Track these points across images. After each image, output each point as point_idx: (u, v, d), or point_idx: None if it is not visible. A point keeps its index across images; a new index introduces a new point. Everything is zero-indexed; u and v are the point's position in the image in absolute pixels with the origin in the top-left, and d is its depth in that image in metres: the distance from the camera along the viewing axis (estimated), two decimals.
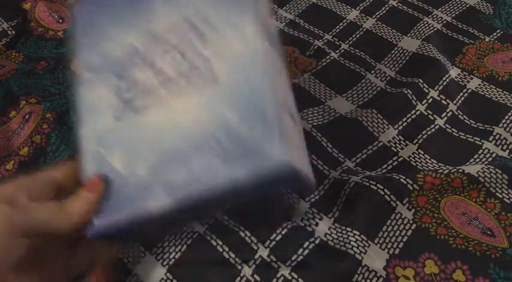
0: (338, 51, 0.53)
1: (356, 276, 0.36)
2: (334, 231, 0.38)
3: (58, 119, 0.46)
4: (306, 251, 0.36)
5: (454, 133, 0.45)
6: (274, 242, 0.37)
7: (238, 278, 0.36)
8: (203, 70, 0.31)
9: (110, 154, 0.31)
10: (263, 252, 0.37)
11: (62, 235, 0.30)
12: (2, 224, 0.27)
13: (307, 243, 0.37)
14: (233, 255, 0.37)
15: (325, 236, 0.38)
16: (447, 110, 0.47)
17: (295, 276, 0.35)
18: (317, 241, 0.37)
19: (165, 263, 0.37)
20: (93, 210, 0.30)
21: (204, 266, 0.37)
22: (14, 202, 0.29)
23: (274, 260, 0.36)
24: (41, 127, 0.45)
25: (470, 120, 0.46)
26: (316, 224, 0.39)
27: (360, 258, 0.36)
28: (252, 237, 0.38)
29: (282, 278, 0.36)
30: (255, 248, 0.37)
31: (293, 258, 0.36)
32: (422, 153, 0.44)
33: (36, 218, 0.29)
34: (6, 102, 0.47)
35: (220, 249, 0.37)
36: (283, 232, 0.37)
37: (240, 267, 0.36)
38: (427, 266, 0.37)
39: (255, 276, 0.36)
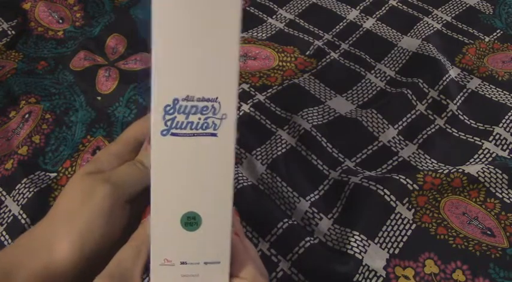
0: (338, 51, 0.53)
1: (357, 276, 0.36)
2: (334, 233, 0.38)
3: (58, 120, 0.46)
4: (305, 249, 0.37)
5: (454, 133, 0.45)
6: (275, 237, 0.37)
7: None
8: None
9: None
10: (264, 246, 0.37)
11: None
12: (106, 202, 0.29)
13: (306, 242, 0.37)
14: None
15: (324, 237, 0.38)
16: (447, 110, 0.47)
17: (295, 271, 0.35)
18: (316, 241, 0.37)
19: None
20: None
21: None
22: (109, 177, 0.30)
23: (275, 253, 0.36)
24: (41, 127, 0.45)
25: (470, 120, 0.46)
26: (316, 224, 0.39)
27: (361, 257, 0.36)
28: (254, 232, 0.38)
29: (282, 272, 0.36)
30: (256, 242, 0.37)
31: (294, 252, 0.36)
32: (422, 153, 0.44)
33: (131, 183, 0.30)
34: (6, 102, 0.47)
35: None
36: (284, 226, 0.37)
37: None
38: (427, 266, 0.37)
39: None
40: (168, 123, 0.24)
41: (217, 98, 0.24)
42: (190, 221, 0.26)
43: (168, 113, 0.24)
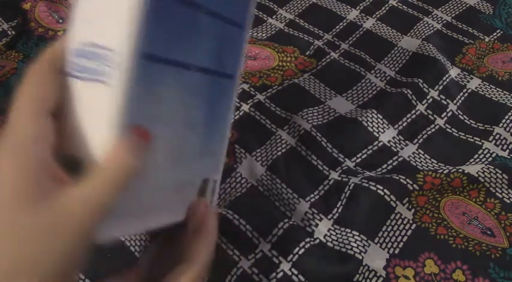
0: (338, 51, 0.53)
1: (357, 276, 0.36)
2: (334, 233, 0.38)
3: None
4: (305, 250, 0.37)
5: (454, 133, 0.45)
6: (276, 237, 0.37)
7: (235, 269, 0.36)
8: None
9: None
10: (265, 247, 0.37)
11: None
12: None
13: (306, 243, 0.37)
14: (231, 247, 0.37)
15: (324, 238, 0.38)
16: (447, 110, 0.47)
17: (295, 272, 0.36)
18: (316, 242, 0.37)
19: None
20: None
21: None
22: None
23: (276, 254, 0.36)
24: None
25: (470, 120, 0.46)
26: (316, 225, 0.39)
27: (361, 257, 0.36)
28: (254, 232, 0.38)
29: (282, 273, 0.36)
30: (256, 242, 0.37)
31: (294, 253, 0.36)
32: (422, 153, 0.44)
33: None
34: (6, 102, 0.47)
35: (219, 241, 0.37)
36: (284, 227, 0.38)
37: (237, 259, 0.37)
38: (427, 266, 0.37)
39: (253, 268, 0.36)
40: (73, 65, 0.27)
41: (112, 48, 0.25)
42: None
43: (75, 55, 0.27)
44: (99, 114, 0.26)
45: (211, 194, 0.35)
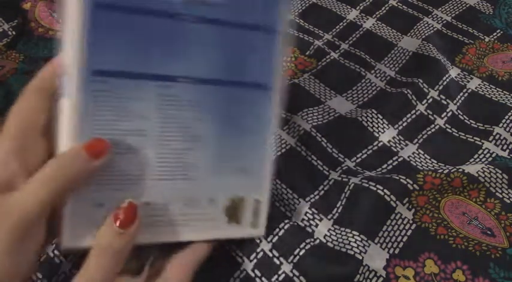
0: (338, 51, 0.53)
1: (358, 276, 0.36)
2: (334, 233, 0.38)
3: None
4: (306, 251, 0.37)
5: (454, 133, 0.45)
6: (276, 237, 0.37)
7: (238, 272, 0.36)
8: None
9: None
10: (266, 247, 0.37)
11: None
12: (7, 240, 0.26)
13: (306, 244, 0.37)
14: (234, 247, 0.37)
15: (324, 238, 0.38)
16: (447, 110, 0.47)
17: (296, 273, 0.35)
18: (316, 242, 0.37)
19: None
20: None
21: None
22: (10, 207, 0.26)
23: (277, 255, 0.36)
24: None
25: (470, 120, 0.46)
26: (316, 225, 0.39)
27: (361, 258, 0.36)
28: None
29: (284, 274, 0.36)
30: (258, 241, 0.37)
31: (295, 254, 0.36)
32: (422, 153, 0.44)
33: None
34: (6, 102, 0.47)
35: (220, 243, 0.37)
36: (285, 227, 0.38)
37: (241, 261, 0.36)
38: (427, 266, 0.37)
39: (256, 271, 0.36)
40: (60, 84, 0.29)
41: (67, 65, 0.28)
42: None
43: (61, 74, 0.29)
44: (63, 127, 0.28)
45: (252, 215, 0.34)
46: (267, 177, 0.34)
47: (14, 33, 0.53)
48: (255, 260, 0.36)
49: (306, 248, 0.37)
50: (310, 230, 0.38)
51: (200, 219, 0.33)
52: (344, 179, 0.41)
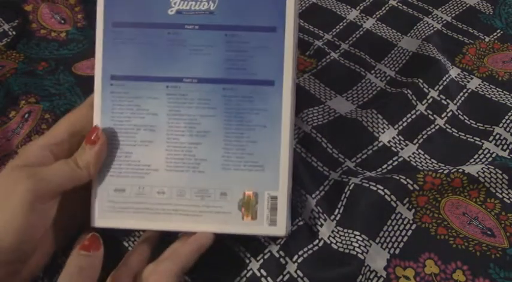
0: (338, 51, 0.53)
1: (360, 277, 0.36)
2: (338, 235, 0.38)
3: (57, 120, 0.46)
4: (310, 252, 0.37)
5: (454, 133, 0.45)
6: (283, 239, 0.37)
7: (245, 271, 0.36)
8: None
9: None
10: (273, 248, 0.37)
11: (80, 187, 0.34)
12: (26, 197, 0.29)
13: (311, 245, 0.37)
14: (243, 249, 0.37)
15: (328, 239, 0.38)
16: (447, 110, 0.47)
17: (301, 274, 0.35)
18: (321, 243, 0.37)
19: None
20: (102, 158, 0.34)
21: (214, 260, 0.36)
22: (35, 172, 0.31)
23: (283, 255, 0.36)
24: (40, 127, 0.45)
25: (470, 120, 0.46)
26: (321, 225, 0.39)
27: (363, 258, 0.36)
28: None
29: (288, 275, 0.36)
30: (266, 244, 0.37)
31: (299, 254, 0.36)
32: (422, 153, 0.44)
33: (58, 181, 0.32)
34: (6, 102, 0.47)
35: (229, 243, 0.37)
36: (293, 228, 0.38)
37: (248, 261, 0.36)
38: (427, 266, 0.37)
39: (262, 271, 0.36)
40: None
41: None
42: None
43: None
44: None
45: (269, 212, 0.35)
46: (285, 174, 0.35)
47: (14, 33, 0.53)
48: (261, 260, 0.36)
49: (311, 249, 0.37)
50: (315, 229, 0.38)
51: (212, 212, 0.35)
52: (344, 179, 0.41)
